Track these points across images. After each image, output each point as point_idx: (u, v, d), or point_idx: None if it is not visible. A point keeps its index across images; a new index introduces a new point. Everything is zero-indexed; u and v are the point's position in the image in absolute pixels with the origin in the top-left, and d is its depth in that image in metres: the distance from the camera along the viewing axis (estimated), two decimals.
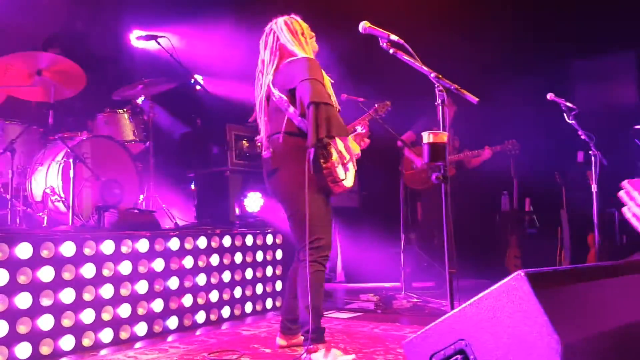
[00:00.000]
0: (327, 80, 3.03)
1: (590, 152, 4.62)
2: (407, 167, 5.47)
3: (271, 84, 3.03)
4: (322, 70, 3.00)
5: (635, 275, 1.82)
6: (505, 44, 6.29)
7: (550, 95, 4.67)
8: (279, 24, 3.10)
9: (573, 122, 4.60)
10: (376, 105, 3.79)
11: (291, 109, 2.93)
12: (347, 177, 2.95)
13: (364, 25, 2.91)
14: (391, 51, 2.76)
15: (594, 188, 4.58)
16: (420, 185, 5.53)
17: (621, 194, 1.41)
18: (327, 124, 2.75)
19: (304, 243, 2.89)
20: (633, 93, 6.47)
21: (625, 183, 1.41)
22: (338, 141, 2.92)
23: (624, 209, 1.41)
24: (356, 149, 3.08)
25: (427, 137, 2.51)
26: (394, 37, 2.77)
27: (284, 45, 3.04)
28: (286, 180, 2.96)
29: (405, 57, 2.69)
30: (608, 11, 5.96)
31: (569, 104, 4.62)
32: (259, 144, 3.19)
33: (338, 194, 2.95)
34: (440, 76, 2.59)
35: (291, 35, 3.04)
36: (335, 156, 2.87)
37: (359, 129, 3.36)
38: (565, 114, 4.64)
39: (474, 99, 2.70)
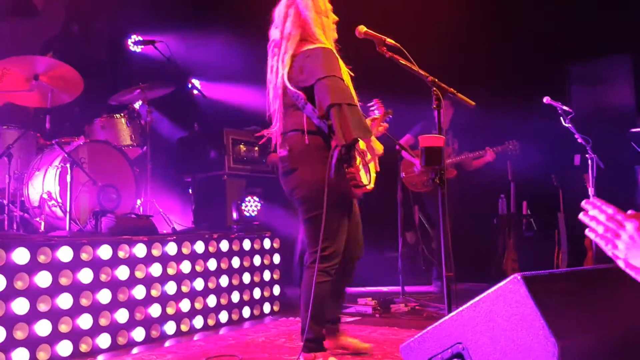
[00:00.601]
0: (346, 72, 2.84)
1: (587, 155, 4.64)
2: (408, 170, 5.46)
3: (286, 76, 2.81)
4: (340, 61, 2.83)
5: (632, 279, 1.82)
6: (501, 48, 6.30)
7: (546, 99, 4.69)
8: None
9: (569, 125, 4.62)
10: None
11: (309, 107, 2.75)
12: (369, 180, 2.81)
13: (360, 30, 2.92)
14: (388, 55, 2.77)
15: (590, 191, 4.59)
16: (422, 187, 5.51)
17: (581, 216, 1.31)
18: (351, 126, 2.60)
19: (313, 249, 2.81)
20: (629, 96, 6.48)
21: (584, 203, 1.31)
22: (360, 141, 2.74)
23: (587, 232, 1.31)
24: (379, 149, 2.94)
25: (423, 141, 2.53)
26: (390, 41, 2.78)
27: (306, 21, 2.81)
28: (305, 182, 2.79)
29: (402, 62, 2.71)
30: (603, 15, 5.98)
31: (565, 108, 4.64)
32: (265, 135, 3.00)
33: (359, 197, 2.87)
34: (436, 80, 2.60)
35: (316, 14, 2.82)
36: (359, 160, 2.72)
37: (376, 113, 3.21)
38: (561, 118, 4.66)
39: (471, 103, 2.71)
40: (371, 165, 2.87)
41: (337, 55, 2.85)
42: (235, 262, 4.31)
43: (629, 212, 1.28)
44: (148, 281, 3.68)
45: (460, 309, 1.60)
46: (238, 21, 6.38)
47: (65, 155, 4.04)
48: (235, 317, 4.24)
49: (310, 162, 2.78)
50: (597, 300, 1.64)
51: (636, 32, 5.93)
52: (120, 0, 6.69)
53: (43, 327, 3.10)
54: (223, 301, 4.17)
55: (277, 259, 4.68)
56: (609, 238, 1.27)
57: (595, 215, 1.29)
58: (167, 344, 3.64)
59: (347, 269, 3.10)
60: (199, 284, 4.00)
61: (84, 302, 3.33)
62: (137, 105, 4.95)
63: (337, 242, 2.85)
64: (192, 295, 3.95)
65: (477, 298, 1.57)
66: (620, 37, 6.07)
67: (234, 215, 5.13)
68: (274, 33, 2.92)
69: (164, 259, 3.81)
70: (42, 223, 4.07)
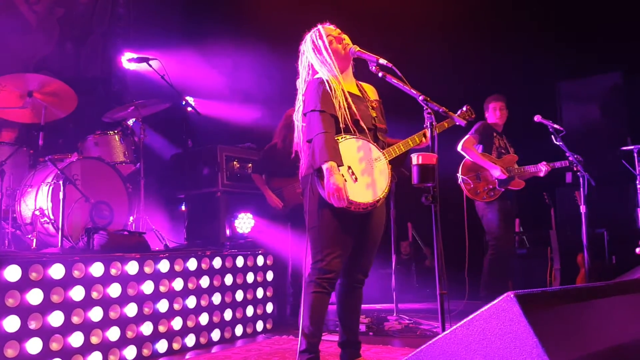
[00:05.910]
0: (341, 94, 2.92)
1: (578, 173, 4.67)
2: (471, 175, 5.13)
3: (296, 115, 3.10)
4: (337, 84, 2.93)
5: (624, 296, 1.83)
6: (493, 66, 6.37)
7: (537, 117, 4.74)
8: (307, 43, 3.08)
9: (560, 143, 4.66)
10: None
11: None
12: (361, 194, 2.83)
13: (352, 49, 2.96)
14: (380, 74, 2.80)
15: (582, 208, 4.62)
16: (487, 197, 5.15)
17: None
18: (319, 153, 2.77)
19: (310, 261, 2.95)
20: (620, 114, 6.55)
21: None
22: (347, 164, 2.85)
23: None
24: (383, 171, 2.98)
25: (416, 158, 2.55)
26: (382, 61, 2.81)
27: (312, 63, 3.06)
28: (305, 201, 3.02)
29: (394, 81, 2.73)
30: (594, 32, 6.07)
31: (556, 126, 4.68)
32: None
33: (360, 211, 2.84)
34: (428, 99, 2.62)
35: (315, 55, 3.03)
36: (346, 178, 2.78)
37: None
38: (552, 136, 4.70)
39: (462, 122, 2.74)
40: (363, 178, 2.87)
41: (329, 83, 2.94)
42: (228, 279, 4.29)
43: None
44: (140, 299, 3.66)
45: (454, 327, 1.60)
46: (232, 39, 6.42)
47: (58, 172, 4.03)
48: (227, 335, 4.22)
49: (310, 184, 2.95)
50: (590, 317, 1.64)
51: (627, 50, 6.01)
52: (114, 17, 6.73)
53: (34, 345, 3.07)
54: (215, 319, 4.14)
55: (270, 276, 4.66)
56: None
57: None
58: None
59: (350, 287, 3.14)
60: (191, 302, 3.98)
61: (76, 319, 3.30)
62: (130, 122, 4.95)
63: (331, 256, 2.88)
64: (185, 313, 3.93)
65: (470, 316, 1.57)
66: (610, 55, 6.15)
67: (227, 232, 5.12)
68: (297, 82, 3.17)
69: (157, 277, 3.79)
70: (34, 240, 4.05)
